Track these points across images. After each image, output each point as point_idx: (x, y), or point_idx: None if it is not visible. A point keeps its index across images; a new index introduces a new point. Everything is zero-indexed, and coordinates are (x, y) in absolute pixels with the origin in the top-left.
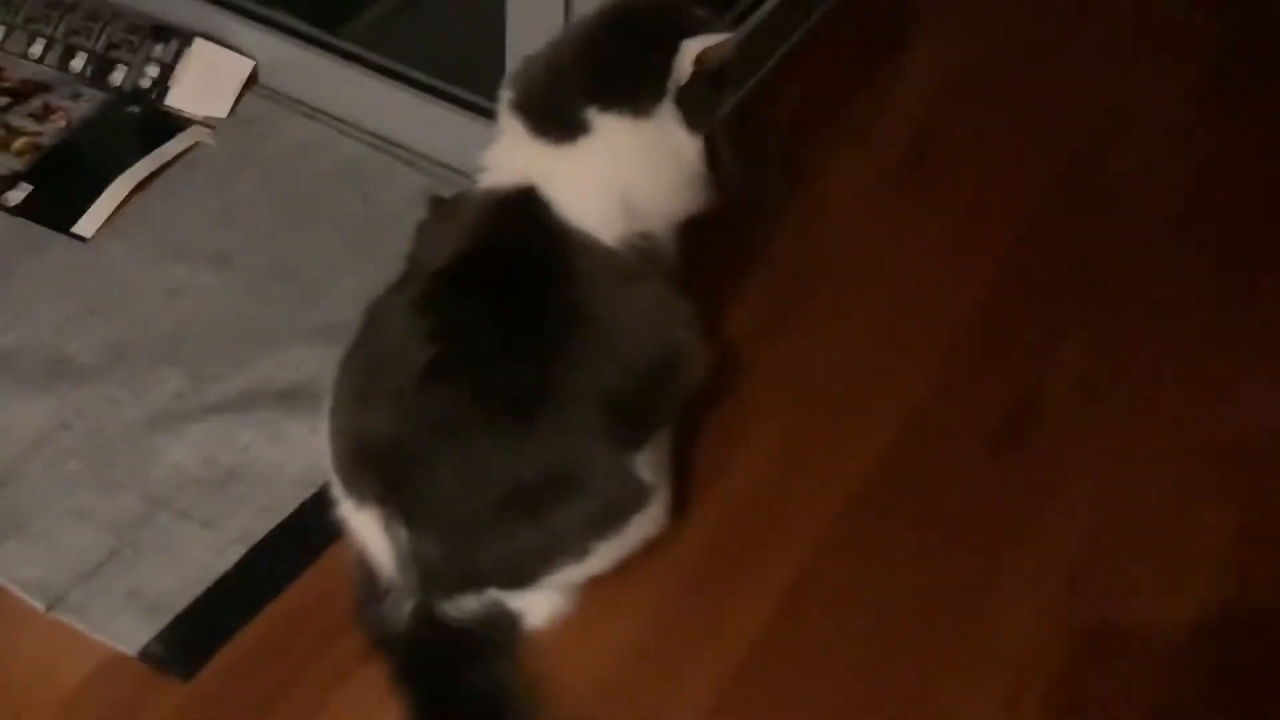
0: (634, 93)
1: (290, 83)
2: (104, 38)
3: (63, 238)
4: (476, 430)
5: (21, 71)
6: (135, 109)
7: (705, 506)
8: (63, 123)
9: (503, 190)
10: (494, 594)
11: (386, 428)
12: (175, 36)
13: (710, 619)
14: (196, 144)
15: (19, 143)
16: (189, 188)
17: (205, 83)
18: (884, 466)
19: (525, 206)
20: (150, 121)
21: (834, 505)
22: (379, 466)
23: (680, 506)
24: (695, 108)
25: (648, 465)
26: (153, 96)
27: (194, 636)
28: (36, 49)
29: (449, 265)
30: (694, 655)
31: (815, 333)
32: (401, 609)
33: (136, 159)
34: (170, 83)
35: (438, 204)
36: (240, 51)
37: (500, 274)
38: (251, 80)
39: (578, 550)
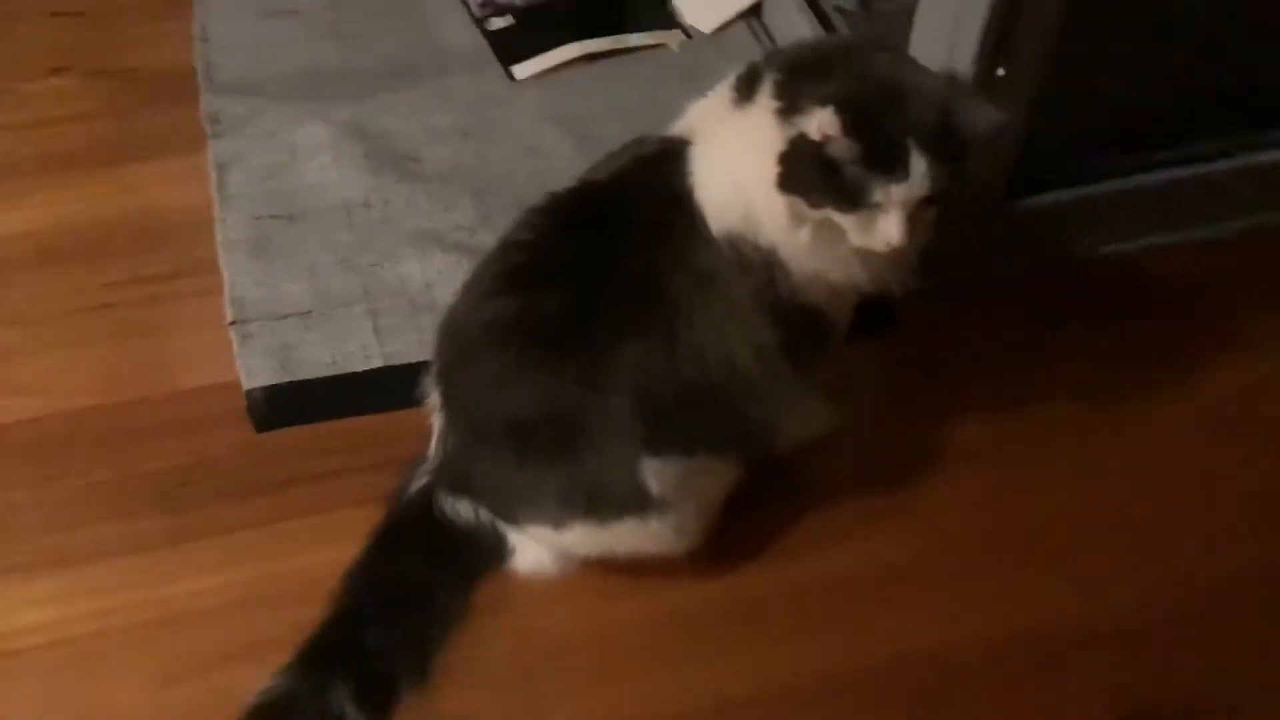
0: (795, 88)
1: (781, 26)
2: None
3: (500, 71)
4: (508, 347)
5: None
6: None
7: (778, 566)
8: None
9: (666, 138)
10: (489, 515)
11: (459, 315)
12: None
13: (703, 660)
14: (661, 45)
15: None
16: (622, 77)
17: None
18: (961, 662)
19: (666, 159)
20: (642, 8)
21: (885, 654)
22: (446, 348)
23: (751, 551)
24: (789, 169)
25: (661, 477)
26: None
27: (289, 404)
28: None
29: (567, 192)
30: (662, 676)
31: (1032, 485)
32: (419, 479)
33: (604, 34)
34: None
35: (635, 142)
36: None
37: (603, 215)
38: (754, 11)
39: (552, 516)
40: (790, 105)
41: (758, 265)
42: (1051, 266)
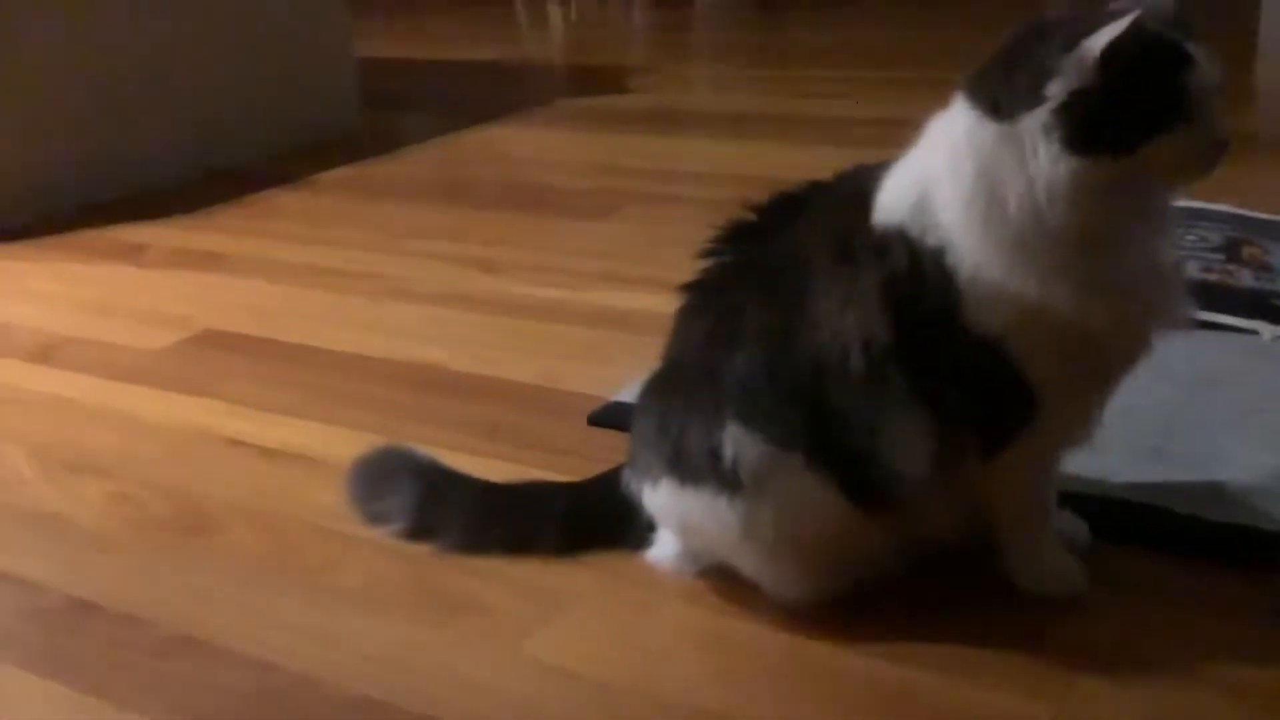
0: (999, 90)
1: None
2: None
3: None
4: (688, 294)
5: None
6: None
7: None
8: None
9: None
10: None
11: None
12: None
13: None
14: (1253, 332)
15: None
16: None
17: None
18: None
19: (874, 170)
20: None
21: None
22: None
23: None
24: (1077, 118)
25: (740, 448)
26: None
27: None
28: None
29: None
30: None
31: None
32: None
33: None
34: None
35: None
36: None
37: (797, 202)
38: None
39: (650, 464)
40: (1002, 101)
41: (907, 262)
42: None
